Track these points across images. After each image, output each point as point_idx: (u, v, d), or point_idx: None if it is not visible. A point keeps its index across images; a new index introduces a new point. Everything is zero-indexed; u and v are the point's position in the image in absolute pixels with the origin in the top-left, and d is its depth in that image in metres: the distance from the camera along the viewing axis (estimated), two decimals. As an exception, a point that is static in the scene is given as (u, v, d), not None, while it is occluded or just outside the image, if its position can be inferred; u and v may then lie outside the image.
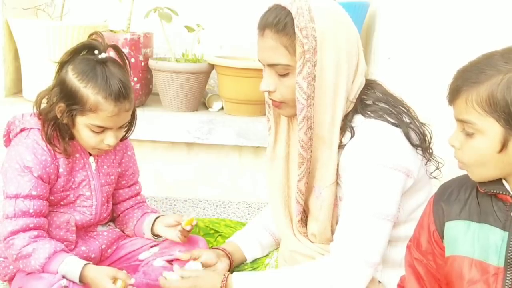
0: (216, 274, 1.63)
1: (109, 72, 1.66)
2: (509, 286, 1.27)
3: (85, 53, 1.69)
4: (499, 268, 1.28)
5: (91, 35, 1.74)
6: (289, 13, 1.52)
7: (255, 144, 2.65)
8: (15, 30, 2.76)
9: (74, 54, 1.69)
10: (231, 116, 2.71)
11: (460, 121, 1.29)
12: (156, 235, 1.88)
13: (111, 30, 2.75)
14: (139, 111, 2.72)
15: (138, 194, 1.97)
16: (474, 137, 1.26)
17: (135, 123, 1.81)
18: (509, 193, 1.28)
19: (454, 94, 1.28)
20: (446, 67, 2.65)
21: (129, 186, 1.94)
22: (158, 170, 2.75)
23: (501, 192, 1.29)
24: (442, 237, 1.39)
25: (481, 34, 2.58)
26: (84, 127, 1.68)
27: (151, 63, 2.71)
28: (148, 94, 2.84)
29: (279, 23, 1.52)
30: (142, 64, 2.72)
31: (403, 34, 2.61)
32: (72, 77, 1.65)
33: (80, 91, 1.64)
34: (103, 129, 1.68)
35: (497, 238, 1.29)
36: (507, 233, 1.28)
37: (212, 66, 2.71)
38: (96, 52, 1.67)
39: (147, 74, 2.77)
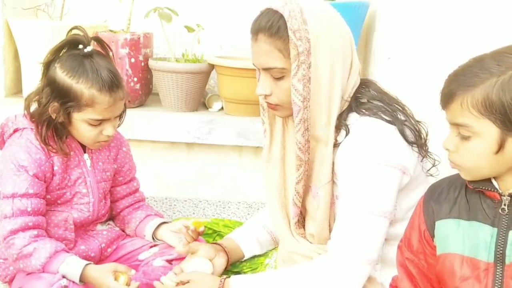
0: (211, 278, 1.62)
1: (97, 64, 1.66)
2: (499, 280, 1.30)
3: (68, 49, 1.69)
4: (489, 263, 1.31)
5: (70, 30, 1.73)
6: (281, 17, 1.52)
7: (255, 144, 2.65)
8: (15, 30, 2.76)
9: (58, 52, 1.68)
10: (231, 116, 2.70)
11: (455, 124, 1.30)
12: (157, 239, 1.88)
13: (111, 30, 2.75)
14: (139, 111, 2.74)
15: (136, 191, 1.97)
16: (470, 139, 1.28)
17: (125, 110, 1.81)
18: (497, 190, 1.31)
19: (448, 98, 1.29)
20: (446, 67, 2.64)
21: (126, 183, 1.93)
22: (158, 170, 2.75)
23: (489, 189, 1.32)
24: (432, 236, 1.41)
25: (481, 34, 2.58)
26: (81, 123, 1.68)
27: (151, 63, 2.71)
28: (148, 94, 2.84)
29: (272, 26, 1.53)
30: (142, 64, 2.72)
31: (403, 34, 2.61)
32: (62, 75, 1.64)
33: (73, 88, 1.63)
34: (100, 121, 1.68)
35: (486, 234, 1.32)
36: (496, 229, 1.31)
37: (212, 66, 2.71)
38: (80, 46, 1.67)
39: (147, 74, 2.77)
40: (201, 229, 1.82)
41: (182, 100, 2.70)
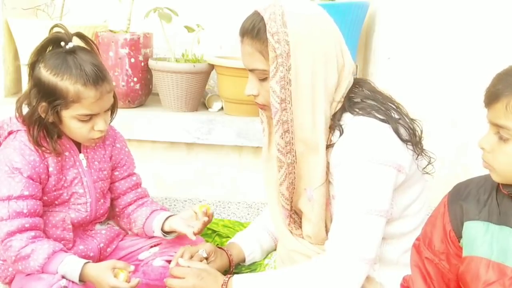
0: (219, 276, 1.63)
1: (81, 60, 1.66)
2: None
3: (51, 48, 1.69)
4: None
5: (52, 28, 1.74)
6: (262, 19, 1.54)
7: (255, 144, 2.65)
8: (15, 30, 2.76)
9: (41, 52, 1.69)
10: (231, 116, 2.71)
11: (495, 125, 1.26)
12: (166, 233, 1.86)
13: (111, 30, 2.75)
14: (139, 111, 2.74)
15: (137, 185, 1.95)
16: (508, 142, 1.25)
17: (117, 105, 1.80)
18: None
19: (493, 97, 1.25)
20: (445, 67, 2.66)
21: (124, 178, 1.92)
22: (158, 170, 2.75)
23: None
24: (459, 237, 1.39)
25: (480, 34, 2.58)
26: (71, 120, 1.67)
27: (151, 63, 2.71)
28: (148, 94, 2.84)
29: (253, 29, 1.56)
30: (142, 64, 2.72)
31: (403, 34, 2.61)
32: (47, 74, 1.65)
33: (58, 85, 1.64)
34: (90, 117, 1.68)
35: None
36: None
37: (212, 66, 2.71)
38: (62, 44, 1.67)
39: (147, 74, 2.77)
40: (210, 211, 1.81)
41: (182, 100, 2.70)
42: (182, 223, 1.81)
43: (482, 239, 1.33)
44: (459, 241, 1.39)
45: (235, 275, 1.62)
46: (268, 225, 1.89)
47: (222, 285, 1.58)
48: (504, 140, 1.25)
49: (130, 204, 1.92)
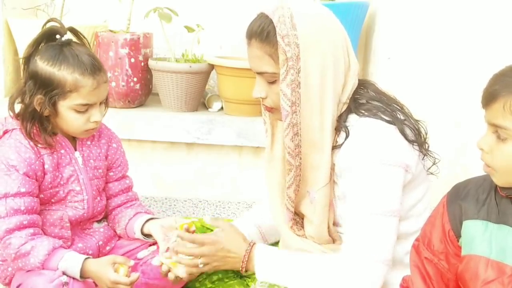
0: (242, 239, 1.63)
1: (77, 51, 1.68)
2: None
3: (46, 41, 1.70)
4: None
5: (46, 22, 1.75)
6: (271, 22, 1.53)
7: (255, 144, 2.65)
8: (15, 30, 2.76)
9: (36, 45, 1.70)
10: (231, 116, 2.71)
11: (493, 125, 1.27)
12: (146, 235, 1.86)
13: (111, 30, 2.76)
14: (139, 111, 2.75)
15: (129, 188, 1.95)
16: (507, 142, 1.25)
17: (108, 98, 1.80)
18: None
19: (490, 98, 1.26)
20: (445, 67, 2.66)
21: (117, 179, 1.92)
22: (158, 170, 2.75)
23: None
24: (458, 236, 1.39)
25: (481, 34, 2.58)
26: (68, 111, 1.68)
27: (151, 63, 2.71)
28: (148, 94, 2.84)
29: (262, 32, 1.54)
30: (142, 64, 2.72)
31: (403, 34, 2.61)
32: (44, 65, 1.66)
33: (56, 75, 1.65)
34: (87, 108, 1.69)
35: None
36: None
37: (212, 66, 2.71)
38: (57, 36, 1.69)
39: (147, 74, 2.77)
40: (192, 228, 1.81)
41: (182, 100, 2.70)
42: (160, 232, 1.80)
43: (481, 238, 1.33)
44: (458, 241, 1.39)
45: (259, 244, 1.62)
46: (259, 223, 1.88)
47: (246, 250, 1.58)
48: (502, 140, 1.26)
49: (119, 206, 1.93)
